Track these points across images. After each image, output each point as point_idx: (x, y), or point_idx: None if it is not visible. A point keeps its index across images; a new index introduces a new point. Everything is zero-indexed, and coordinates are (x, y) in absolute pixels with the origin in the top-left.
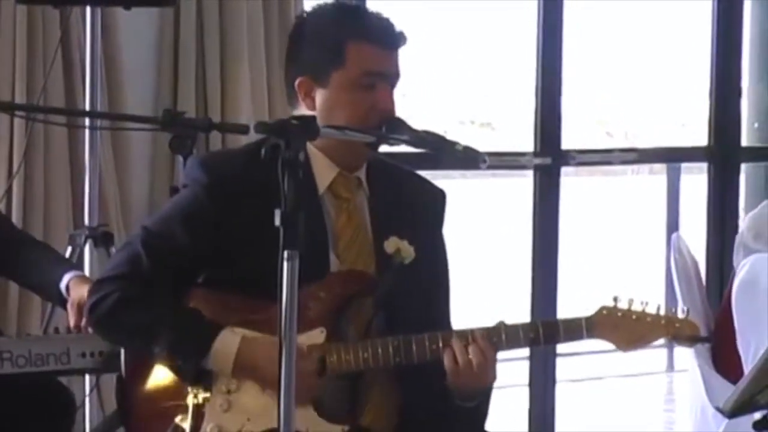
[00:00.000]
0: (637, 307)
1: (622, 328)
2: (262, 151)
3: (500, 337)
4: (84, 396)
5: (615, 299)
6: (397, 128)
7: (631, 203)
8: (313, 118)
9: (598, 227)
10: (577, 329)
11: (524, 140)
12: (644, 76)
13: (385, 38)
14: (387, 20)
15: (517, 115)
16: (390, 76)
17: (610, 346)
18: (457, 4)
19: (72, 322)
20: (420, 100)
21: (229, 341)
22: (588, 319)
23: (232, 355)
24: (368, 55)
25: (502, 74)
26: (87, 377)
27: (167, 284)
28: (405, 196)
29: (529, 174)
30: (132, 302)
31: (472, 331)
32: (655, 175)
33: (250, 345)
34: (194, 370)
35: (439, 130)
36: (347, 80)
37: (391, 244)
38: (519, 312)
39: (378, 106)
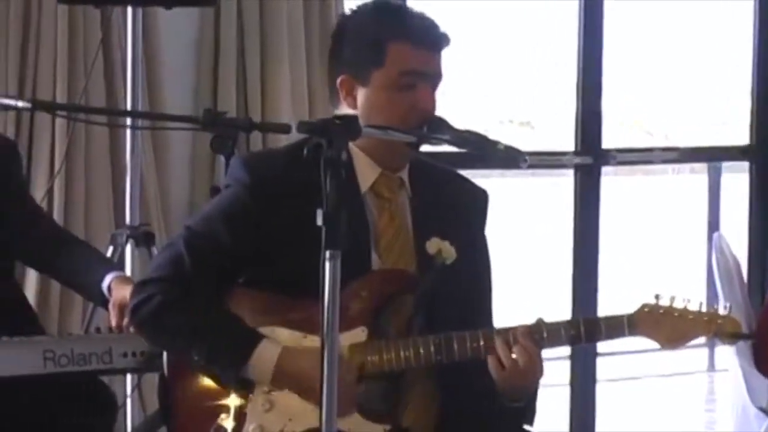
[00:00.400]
0: (678, 304)
1: (663, 325)
2: (305, 151)
3: (542, 334)
4: (125, 396)
5: (656, 297)
6: (439, 128)
7: (672, 202)
8: (355, 117)
9: (638, 226)
10: (618, 327)
11: (563, 139)
12: (684, 74)
13: (426, 39)
14: (430, 20)
15: (556, 115)
16: (431, 77)
17: (650, 345)
18: (495, 3)
19: (114, 323)
20: (459, 99)
21: (269, 351)
22: (630, 316)
23: (272, 366)
24: (408, 56)
25: (541, 73)
26: (128, 377)
27: (209, 285)
28: (447, 196)
29: (568, 173)
30: (174, 305)
31: (513, 330)
32: (696, 174)
33: (290, 356)
34: (233, 378)
35: (479, 129)
36: (387, 80)
37: (433, 245)
38: (559, 312)
39: (418, 106)
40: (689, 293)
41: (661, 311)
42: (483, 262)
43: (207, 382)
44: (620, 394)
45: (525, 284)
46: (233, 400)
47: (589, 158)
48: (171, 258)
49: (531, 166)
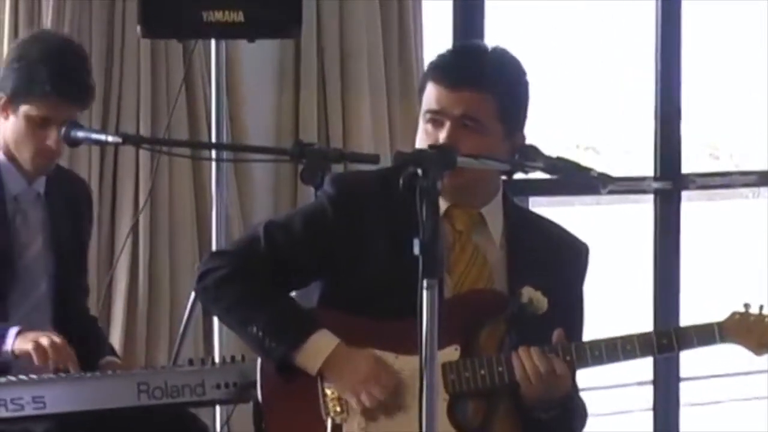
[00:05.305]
0: None
1: (755, 331)
2: (400, 181)
3: (633, 345)
4: (216, 428)
5: (746, 306)
6: (532, 155)
7: (751, 226)
8: (452, 147)
9: (714, 250)
10: (709, 334)
11: (629, 164)
12: (754, 97)
13: (445, 78)
14: (461, 60)
15: (621, 139)
16: (448, 115)
17: (729, 369)
18: (563, 34)
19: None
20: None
21: (325, 341)
22: (720, 323)
23: (324, 356)
24: (430, 94)
25: (606, 98)
26: (218, 408)
27: (278, 271)
28: (547, 247)
29: (646, 199)
30: (240, 277)
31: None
32: None
33: (343, 353)
34: (280, 360)
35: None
36: (422, 117)
37: (525, 293)
38: None
39: (438, 143)
40: None
41: (752, 318)
42: (575, 315)
43: (301, 406)
44: (704, 418)
45: (606, 311)
46: (329, 422)
47: (669, 183)
48: (247, 238)
49: (610, 192)
